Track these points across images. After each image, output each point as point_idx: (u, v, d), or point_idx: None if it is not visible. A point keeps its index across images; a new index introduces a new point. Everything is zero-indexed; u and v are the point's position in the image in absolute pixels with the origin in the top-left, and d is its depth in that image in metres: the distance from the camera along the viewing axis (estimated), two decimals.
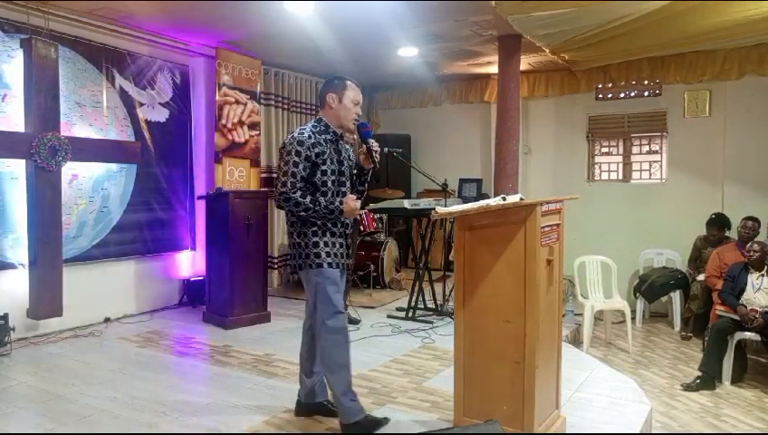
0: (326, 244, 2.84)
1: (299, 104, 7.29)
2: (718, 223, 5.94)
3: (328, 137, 2.88)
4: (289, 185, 2.75)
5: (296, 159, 2.76)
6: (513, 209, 2.59)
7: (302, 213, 2.77)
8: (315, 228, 2.83)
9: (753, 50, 5.94)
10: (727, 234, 5.95)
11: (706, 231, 6.02)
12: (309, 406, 3.09)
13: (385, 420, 2.88)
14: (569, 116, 7.24)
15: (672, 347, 5.55)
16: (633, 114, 6.86)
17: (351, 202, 2.83)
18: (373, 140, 2.99)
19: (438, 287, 5.69)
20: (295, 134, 2.82)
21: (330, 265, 2.82)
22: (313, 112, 7.52)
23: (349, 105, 2.91)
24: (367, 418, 2.83)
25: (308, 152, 2.78)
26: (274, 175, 7.03)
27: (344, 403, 2.81)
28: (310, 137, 2.81)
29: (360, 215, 6.53)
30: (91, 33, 5.06)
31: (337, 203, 2.80)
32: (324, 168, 2.83)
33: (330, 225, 2.85)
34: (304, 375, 3.05)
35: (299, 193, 2.76)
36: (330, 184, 2.85)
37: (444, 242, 6.59)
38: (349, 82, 2.94)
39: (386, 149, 5.48)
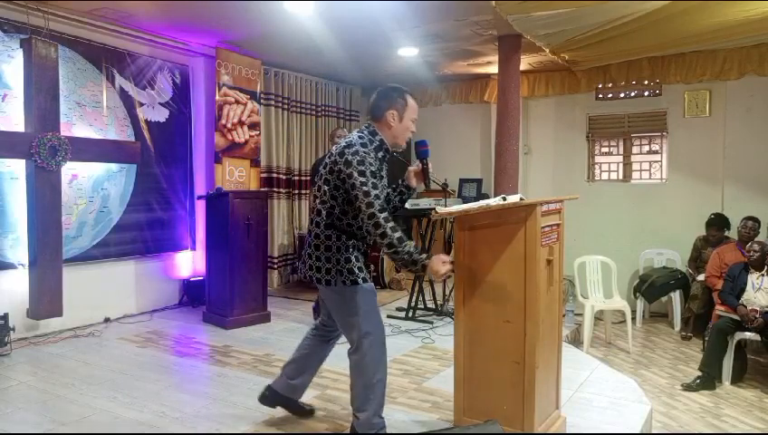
0: (357, 259, 2.67)
1: (299, 104, 7.30)
2: (718, 223, 5.94)
3: (380, 154, 2.68)
4: (377, 207, 2.48)
5: (371, 175, 2.52)
6: (513, 209, 2.59)
7: (385, 248, 2.50)
8: (352, 242, 2.65)
9: (753, 50, 5.94)
10: (727, 234, 5.95)
11: (706, 231, 6.02)
12: (284, 399, 3.01)
13: None
14: (569, 116, 7.24)
15: (672, 347, 5.55)
16: (633, 114, 6.86)
17: (440, 265, 2.53)
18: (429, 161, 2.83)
19: (438, 287, 5.70)
20: (366, 146, 2.59)
21: (365, 280, 2.67)
22: (313, 113, 7.53)
23: (409, 125, 2.74)
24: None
25: (373, 168, 2.57)
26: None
27: (373, 421, 2.68)
28: (376, 156, 2.62)
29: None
30: (91, 33, 5.06)
31: (423, 257, 2.52)
32: (382, 182, 2.64)
33: (361, 244, 2.69)
34: (287, 378, 2.98)
35: (390, 224, 2.50)
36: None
37: (444, 242, 6.58)
38: (410, 99, 2.75)
39: None
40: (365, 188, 2.51)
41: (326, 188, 2.64)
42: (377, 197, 2.51)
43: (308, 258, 2.70)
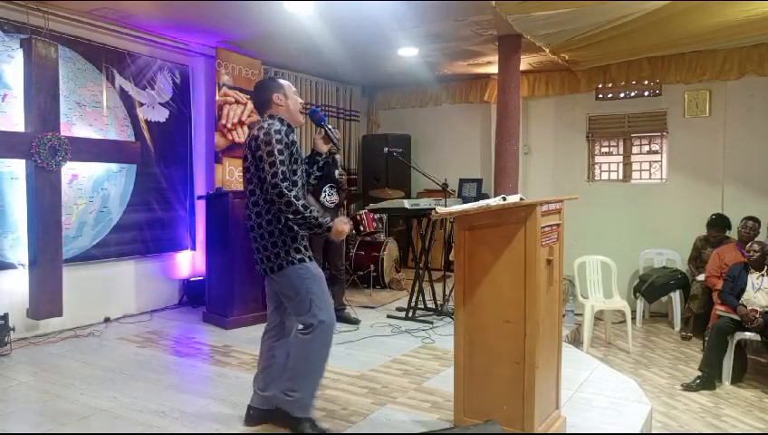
0: (303, 237, 2.82)
1: (307, 106, 7.29)
2: (719, 224, 5.93)
3: (292, 136, 2.85)
4: (280, 175, 2.64)
5: (283, 153, 2.69)
6: (513, 209, 2.59)
7: (290, 215, 2.67)
8: (280, 226, 2.76)
9: (753, 50, 5.94)
10: (727, 234, 5.95)
11: (707, 232, 6.01)
12: (266, 413, 2.98)
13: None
14: (569, 116, 7.24)
15: (672, 347, 5.55)
16: (633, 114, 6.86)
17: (342, 226, 2.73)
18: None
19: (438, 287, 5.70)
20: (276, 127, 2.74)
21: (310, 259, 2.84)
22: None
23: (296, 99, 2.94)
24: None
25: (291, 148, 2.76)
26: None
27: (308, 402, 2.80)
28: (287, 132, 2.78)
29: (361, 216, 6.53)
30: (91, 33, 5.06)
31: (327, 219, 2.72)
32: (297, 164, 2.82)
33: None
34: (260, 390, 2.97)
35: (293, 192, 2.66)
36: (299, 182, 2.84)
37: (444, 242, 6.59)
38: (280, 79, 3.02)
39: (386, 150, 5.53)
40: (271, 159, 2.66)
41: (252, 177, 2.76)
42: (282, 173, 2.65)
43: (255, 252, 2.83)
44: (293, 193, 2.66)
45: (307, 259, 2.81)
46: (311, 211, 2.68)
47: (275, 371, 2.95)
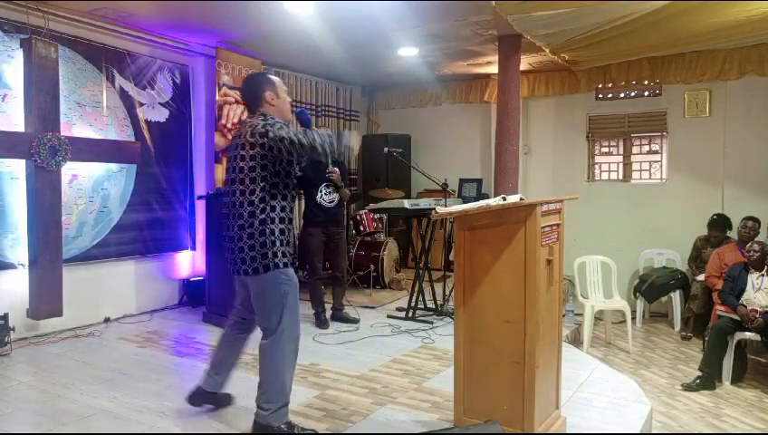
0: (282, 243, 2.77)
1: (299, 104, 7.29)
2: (720, 224, 5.91)
3: None
4: (293, 136, 2.67)
5: (288, 131, 2.73)
6: (513, 209, 2.59)
7: (319, 147, 2.70)
8: (273, 226, 2.74)
9: (753, 50, 5.94)
10: (727, 234, 5.94)
11: (708, 232, 6.00)
12: (211, 396, 3.14)
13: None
14: (569, 116, 7.24)
15: (672, 347, 5.55)
16: (633, 114, 6.86)
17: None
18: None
19: (438, 287, 5.69)
20: (273, 123, 2.76)
21: (293, 264, 2.85)
22: (313, 113, 7.52)
23: (286, 97, 2.96)
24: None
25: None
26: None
27: (283, 411, 2.81)
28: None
29: (361, 216, 6.53)
30: (91, 33, 5.06)
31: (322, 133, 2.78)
32: (291, 166, 2.83)
33: (288, 222, 2.82)
34: (214, 374, 3.10)
35: (306, 137, 2.69)
36: (292, 182, 2.85)
37: (444, 242, 6.59)
38: (272, 76, 3.01)
39: (386, 150, 5.53)
40: (280, 133, 2.66)
41: (249, 174, 2.70)
42: (295, 135, 2.68)
43: (236, 252, 2.77)
44: (303, 139, 2.67)
45: (290, 264, 2.80)
46: (321, 138, 2.71)
47: (230, 361, 3.11)
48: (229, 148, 2.92)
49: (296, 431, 2.82)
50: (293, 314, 2.80)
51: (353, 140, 3.10)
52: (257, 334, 2.96)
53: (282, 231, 2.77)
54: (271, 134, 2.67)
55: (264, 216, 2.72)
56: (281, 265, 2.75)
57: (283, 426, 2.80)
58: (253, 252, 2.72)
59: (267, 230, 2.72)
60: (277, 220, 2.75)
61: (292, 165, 2.82)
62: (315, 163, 4.98)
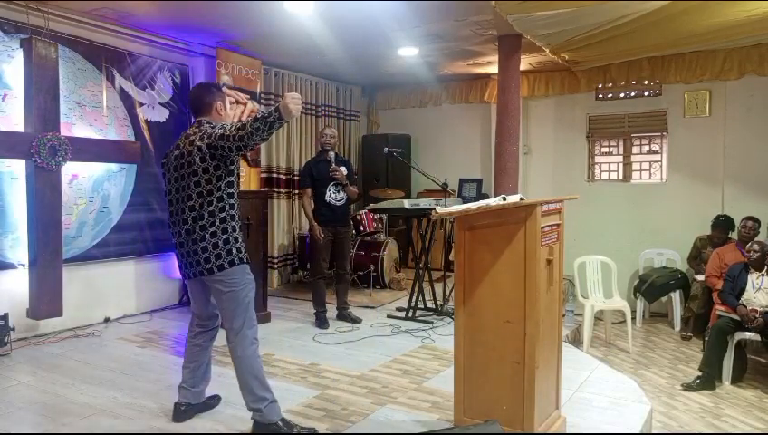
0: (240, 238, 2.86)
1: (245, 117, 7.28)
2: (724, 225, 5.86)
3: None
4: (234, 129, 2.64)
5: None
6: (513, 209, 2.59)
7: (255, 136, 2.55)
8: (234, 223, 2.82)
9: (753, 50, 5.94)
10: (729, 235, 5.93)
11: (711, 232, 5.97)
12: (199, 406, 3.14)
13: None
14: (569, 116, 7.24)
15: (672, 347, 5.55)
16: (633, 114, 6.86)
17: (285, 102, 2.48)
18: None
19: (438, 287, 5.70)
20: (214, 126, 2.82)
21: (248, 261, 2.90)
22: (314, 113, 7.53)
23: (230, 111, 3.03)
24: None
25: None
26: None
27: (275, 407, 2.86)
28: None
29: (361, 216, 6.53)
30: (91, 33, 5.06)
31: (271, 109, 2.58)
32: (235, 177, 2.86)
33: (237, 220, 2.86)
34: (192, 387, 3.09)
35: (242, 129, 2.61)
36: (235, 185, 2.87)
37: (444, 242, 6.58)
38: (223, 87, 3.10)
39: (386, 150, 5.53)
40: (220, 131, 2.68)
41: (203, 176, 2.73)
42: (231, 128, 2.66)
43: (193, 255, 2.80)
44: (242, 128, 2.60)
45: (246, 260, 2.86)
46: (258, 120, 2.56)
47: (203, 369, 3.11)
48: (169, 155, 2.94)
49: (296, 431, 2.84)
50: (252, 309, 2.89)
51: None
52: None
53: (239, 228, 2.86)
54: (216, 135, 2.71)
55: (224, 214, 2.79)
56: (244, 259, 2.84)
57: (280, 422, 2.84)
58: (217, 250, 2.77)
59: (229, 228, 2.81)
60: (237, 217, 2.85)
61: (237, 163, 2.85)
62: (320, 163, 4.98)
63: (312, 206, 5.02)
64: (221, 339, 4.61)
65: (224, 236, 2.78)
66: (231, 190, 2.83)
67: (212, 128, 2.79)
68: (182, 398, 3.09)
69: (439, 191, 5.46)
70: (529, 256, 2.57)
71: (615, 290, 5.59)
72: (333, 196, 4.99)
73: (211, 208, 2.77)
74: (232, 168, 2.80)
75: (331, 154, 5.04)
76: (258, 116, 2.58)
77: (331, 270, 5.36)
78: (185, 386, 3.09)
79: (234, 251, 2.80)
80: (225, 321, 2.87)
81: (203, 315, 3.06)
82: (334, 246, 5.07)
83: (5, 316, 4.26)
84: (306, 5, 4.64)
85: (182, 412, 3.07)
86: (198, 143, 2.75)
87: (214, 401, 3.25)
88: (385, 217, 6.94)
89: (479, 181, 7.64)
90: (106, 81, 5.17)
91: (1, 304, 4.33)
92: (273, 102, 6.82)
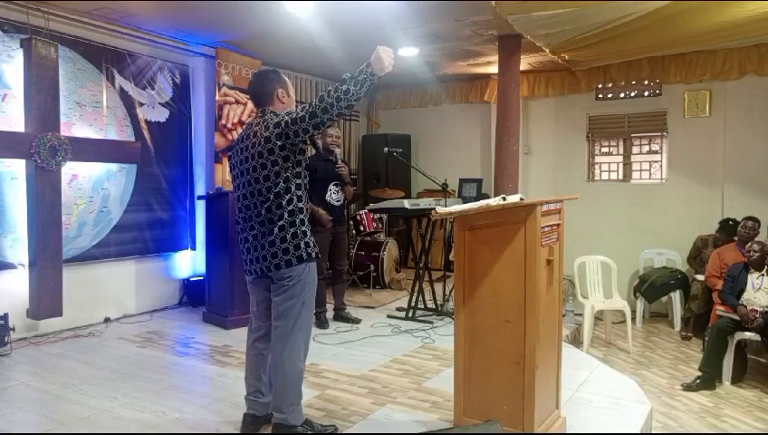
0: (309, 232, 2.75)
1: (299, 104, 7.28)
2: (731, 230, 5.80)
3: None
4: (304, 109, 2.56)
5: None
6: (513, 209, 2.59)
7: (342, 101, 2.51)
8: (302, 216, 2.71)
9: (753, 50, 5.94)
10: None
11: (717, 233, 5.96)
12: (266, 418, 2.92)
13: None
14: (569, 116, 7.24)
15: (672, 347, 5.55)
16: (633, 114, 6.86)
17: (381, 50, 2.51)
18: None
19: (438, 287, 5.69)
20: (281, 113, 2.71)
21: (318, 256, 2.81)
22: None
23: (294, 96, 2.92)
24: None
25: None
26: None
27: (300, 411, 2.78)
28: None
29: (361, 216, 6.53)
30: (91, 33, 5.06)
31: (363, 67, 2.59)
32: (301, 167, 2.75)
33: (306, 213, 2.76)
34: (261, 395, 2.89)
35: (326, 100, 2.52)
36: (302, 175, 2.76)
37: (444, 242, 6.59)
38: (283, 75, 2.90)
39: (386, 150, 5.53)
40: (287, 118, 2.59)
41: (272, 169, 2.62)
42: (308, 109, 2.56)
43: (260, 249, 2.69)
44: (320, 105, 2.53)
45: (314, 255, 2.76)
46: (342, 85, 2.53)
47: (268, 377, 2.89)
48: (235, 148, 2.83)
49: (317, 430, 2.79)
50: (311, 310, 2.80)
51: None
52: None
53: (308, 221, 2.76)
54: (285, 122, 2.61)
55: (291, 207, 2.68)
56: (313, 254, 2.73)
57: (304, 426, 2.76)
58: (285, 244, 2.66)
59: (297, 221, 2.69)
60: (305, 210, 2.75)
61: (305, 154, 2.76)
62: (326, 160, 4.97)
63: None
64: (221, 338, 4.65)
65: (291, 230, 2.67)
66: (299, 181, 2.71)
67: (276, 116, 2.66)
68: (249, 409, 2.91)
69: (439, 191, 5.46)
70: (529, 256, 2.56)
71: (615, 290, 5.59)
72: (334, 196, 4.99)
73: (278, 201, 2.65)
74: (300, 157, 2.69)
75: (338, 152, 5.04)
76: (345, 77, 2.47)
77: (328, 270, 5.36)
78: (251, 397, 2.90)
79: (302, 246, 2.68)
80: (280, 317, 2.72)
81: (262, 318, 2.88)
82: (332, 245, 5.07)
83: (5, 316, 4.26)
84: (306, 5, 4.64)
85: (249, 423, 2.90)
86: (265, 133, 2.62)
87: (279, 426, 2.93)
88: (385, 217, 6.93)
89: (479, 181, 7.63)
90: (106, 81, 5.17)
91: (1, 305, 4.33)
92: None
